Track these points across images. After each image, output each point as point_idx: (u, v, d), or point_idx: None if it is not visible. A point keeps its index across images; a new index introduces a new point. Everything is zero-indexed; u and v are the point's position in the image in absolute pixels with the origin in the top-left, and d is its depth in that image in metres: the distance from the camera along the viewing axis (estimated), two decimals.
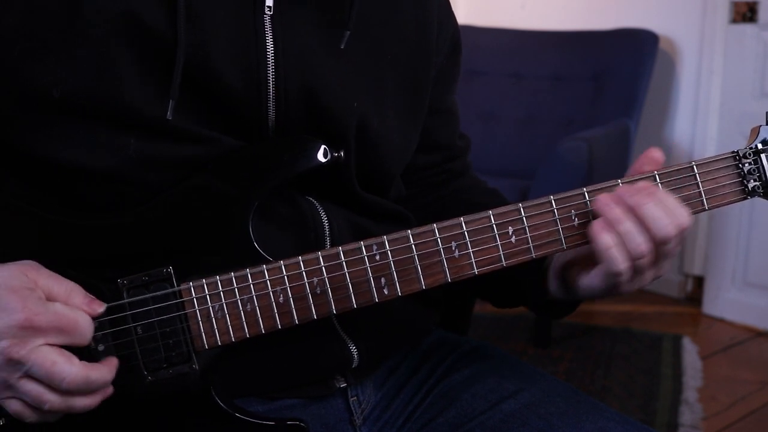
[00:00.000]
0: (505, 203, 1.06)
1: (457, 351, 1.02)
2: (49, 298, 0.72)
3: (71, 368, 0.71)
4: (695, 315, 3.22)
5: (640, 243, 0.80)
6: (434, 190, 1.09)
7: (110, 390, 0.76)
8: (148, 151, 0.80)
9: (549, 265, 0.92)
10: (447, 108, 1.08)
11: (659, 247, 0.81)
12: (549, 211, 0.84)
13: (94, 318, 0.75)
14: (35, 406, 0.72)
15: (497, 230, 0.83)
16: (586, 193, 0.84)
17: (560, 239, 0.84)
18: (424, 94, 0.98)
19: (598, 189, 0.84)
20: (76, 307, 0.73)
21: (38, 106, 0.78)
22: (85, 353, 0.75)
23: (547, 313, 0.98)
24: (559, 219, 0.84)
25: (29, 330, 0.69)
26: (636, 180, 0.84)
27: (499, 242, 0.83)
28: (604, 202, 0.81)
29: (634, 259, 0.80)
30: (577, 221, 0.84)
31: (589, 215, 0.84)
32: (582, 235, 0.84)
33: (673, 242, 0.81)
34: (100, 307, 0.76)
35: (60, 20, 0.77)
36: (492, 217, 0.83)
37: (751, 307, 3.07)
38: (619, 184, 0.84)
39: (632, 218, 0.80)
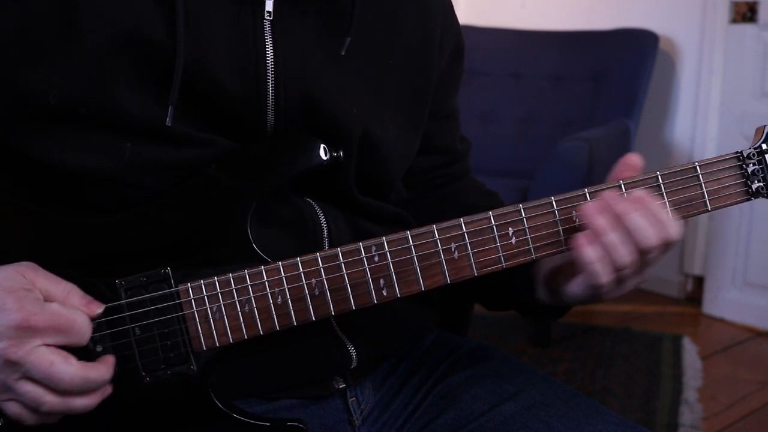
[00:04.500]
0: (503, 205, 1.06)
1: (457, 352, 1.01)
2: (47, 299, 0.72)
3: (69, 368, 0.71)
4: (695, 315, 3.22)
5: (624, 255, 0.79)
6: (434, 193, 1.08)
7: (109, 389, 0.76)
8: (145, 155, 0.79)
9: (537, 270, 0.91)
10: (448, 112, 1.07)
11: (642, 256, 0.80)
12: (550, 212, 0.83)
13: (93, 319, 0.75)
14: (34, 407, 0.71)
15: (497, 231, 0.82)
16: (587, 194, 0.83)
17: (561, 240, 0.83)
18: (425, 101, 0.98)
19: (600, 189, 0.83)
20: (74, 308, 0.73)
21: (34, 111, 0.77)
22: (83, 354, 0.74)
23: (537, 317, 0.97)
24: (560, 220, 0.83)
25: (26, 330, 0.69)
26: (637, 181, 0.83)
27: (498, 243, 0.82)
28: (589, 212, 0.80)
29: (617, 270, 0.80)
30: (578, 222, 0.83)
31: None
32: None
33: (655, 252, 0.80)
34: (98, 308, 0.76)
35: (55, 27, 0.76)
36: (492, 217, 0.82)
37: (751, 307, 3.06)
38: (621, 184, 0.83)
39: (617, 228, 0.79)
